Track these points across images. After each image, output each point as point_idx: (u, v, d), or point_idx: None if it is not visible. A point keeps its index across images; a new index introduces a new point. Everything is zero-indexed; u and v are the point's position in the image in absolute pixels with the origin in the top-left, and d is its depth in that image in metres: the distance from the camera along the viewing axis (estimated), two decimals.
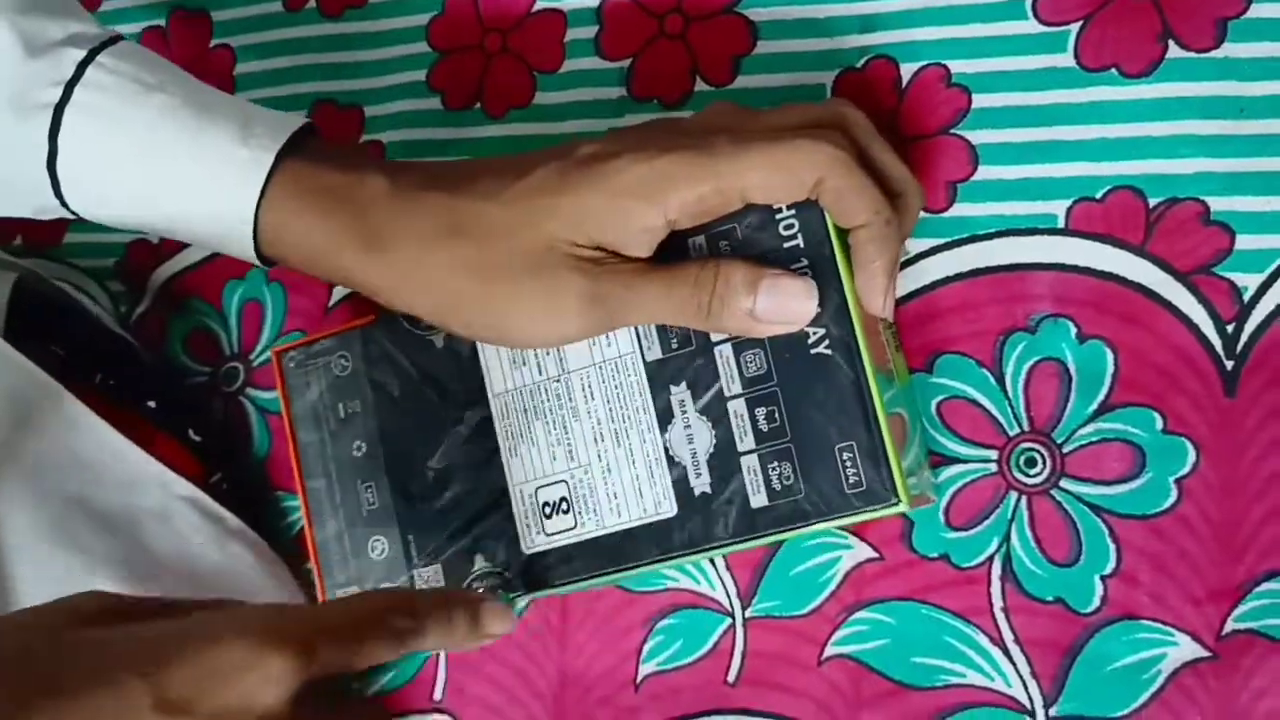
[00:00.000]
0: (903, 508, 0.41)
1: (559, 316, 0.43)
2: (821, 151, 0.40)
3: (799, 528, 0.43)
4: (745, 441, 0.44)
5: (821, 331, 0.42)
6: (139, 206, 0.46)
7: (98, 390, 0.53)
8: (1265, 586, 0.43)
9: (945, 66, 0.48)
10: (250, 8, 0.61)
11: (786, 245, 0.43)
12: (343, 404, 0.51)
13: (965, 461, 0.46)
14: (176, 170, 0.45)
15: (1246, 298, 0.44)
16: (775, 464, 0.43)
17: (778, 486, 0.43)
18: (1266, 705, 0.42)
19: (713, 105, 0.46)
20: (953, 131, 0.48)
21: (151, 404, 0.54)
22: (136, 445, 0.50)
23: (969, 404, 0.47)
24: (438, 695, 0.53)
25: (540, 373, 0.47)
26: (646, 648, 0.50)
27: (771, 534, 0.43)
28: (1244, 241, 0.44)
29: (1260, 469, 0.43)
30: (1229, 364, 0.44)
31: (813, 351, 0.43)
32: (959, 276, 0.47)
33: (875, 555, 0.47)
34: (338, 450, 0.51)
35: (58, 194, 0.46)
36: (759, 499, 0.43)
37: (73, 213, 0.47)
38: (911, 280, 0.48)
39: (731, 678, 0.49)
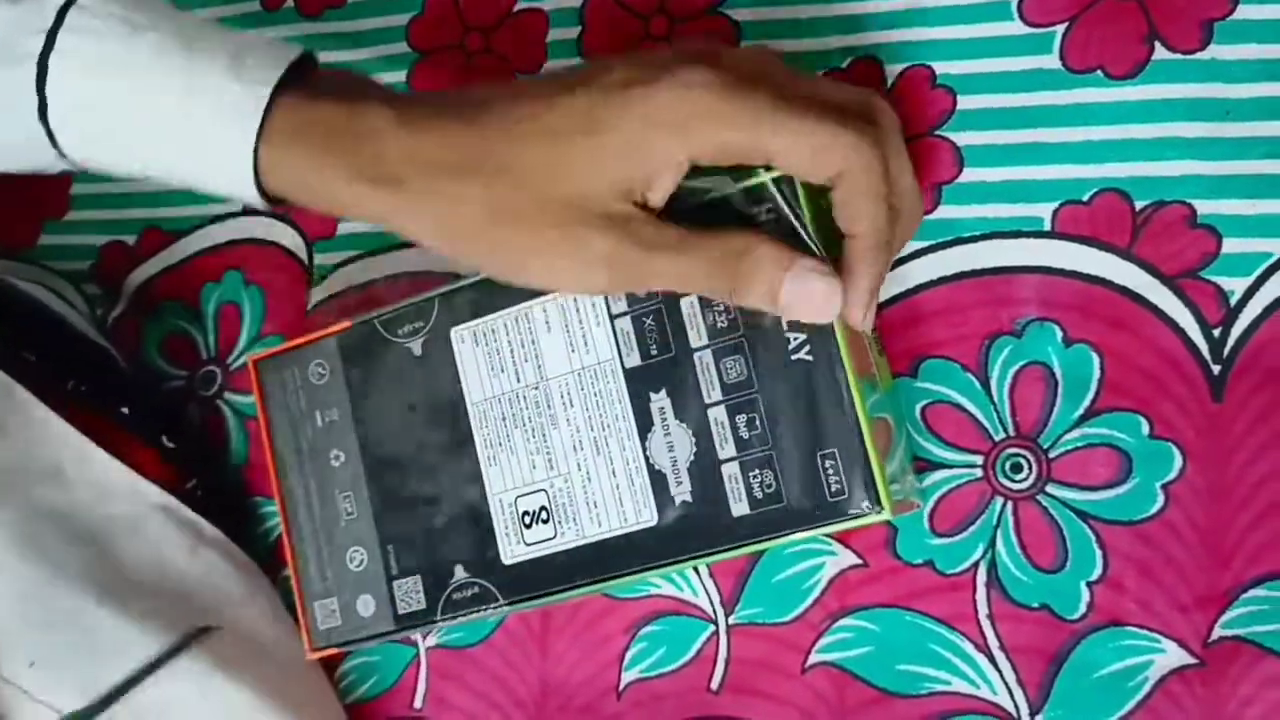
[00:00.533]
0: (885, 515, 0.41)
1: (583, 272, 0.41)
2: (858, 149, 0.39)
3: (781, 536, 0.42)
4: (726, 449, 0.43)
5: (802, 337, 0.42)
6: (135, 152, 0.44)
7: (70, 397, 0.52)
8: (1253, 593, 0.42)
9: (930, 68, 0.48)
10: (228, 7, 0.61)
11: None
12: (320, 412, 0.50)
13: (950, 467, 0.46)
14: (169, 111, 0.43)
15: (1233, 301, 0.44)
16: (757, 472, 0.43)
17: (759, 495, 0.43)
18: (1254, 713, 0.42)
19: (753, 47, 0.43)
20: (938, 133, 0.48)
21: (125, 410, 0.53)
22: (109, 453, 0.50)
23: (954, 409, 0.46)
24: (418, 704, 0.52)
25: (519, 380, 0.46)
26: (629, 655, 0.49)
27: (753, 542, 0.43)
28: (1230, 245, 0.44)
29: (1247, 474, 0.43)
30: (1216, 368, 0.44)
31: (794, 358, 0.42)
32: (943, 280, 0.47)
33: (859, 562, 0.47)
34: (316, 460, 0.50)
35: (55, 145, 0.44)
36: (740, 507, 0.43)
37: (73, 164, 0.45)
38: (895, 283, 0.47)
39: (715, 685, 0.48)
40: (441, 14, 0.56)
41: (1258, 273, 0.43)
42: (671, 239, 0.41)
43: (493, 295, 0.47)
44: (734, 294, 0.41)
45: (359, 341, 0.49)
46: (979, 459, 0.46)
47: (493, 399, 0.47)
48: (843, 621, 0.47)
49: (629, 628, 0.50)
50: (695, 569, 0.49)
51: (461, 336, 0.47)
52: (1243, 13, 0.44)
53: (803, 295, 0.40)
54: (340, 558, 0.49)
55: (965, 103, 0.47)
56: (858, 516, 0.41)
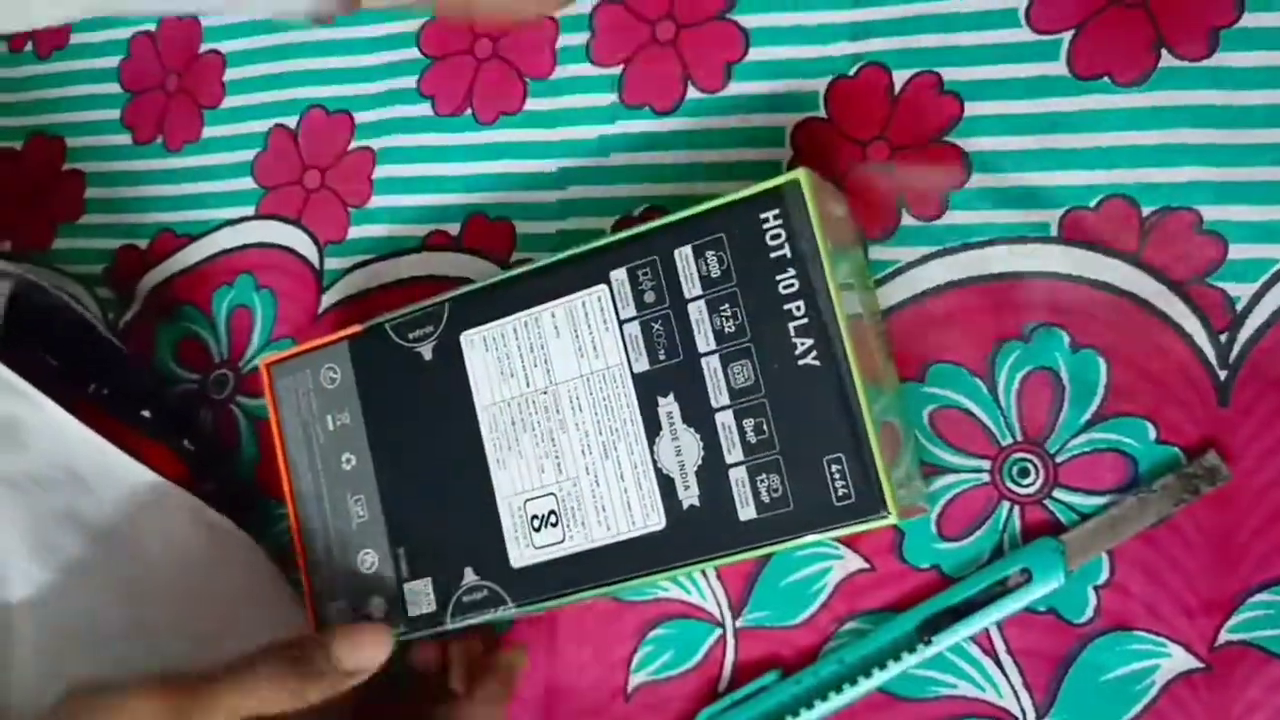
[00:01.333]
0: (892, 520, 0.41)
1: None
2: None
3: (787, 540, 0.42)
4: (733, 453, 0.43)
5: (810, 342, 0.42)
6: None
7: (90, 400, 0.52)
8: (1259, 598, 0.42)
9: (938, 74, 0.48)
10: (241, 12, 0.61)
11: (774, 255, 0.43)
12: (332, 416, 0.50)
13: (957, 471, 0.46)
14: None
15: (1239, 307, 0.44)
16: (764, 476, 0.43)
17: (766, 499, 0.43)
18: (1259, 718, 0.42)
19: None
20: (946, 139, 0.48)
21: (146, 413, 0.54)
22: (129, 455, 0.50)
23: (961, 413, 0.46)
24: None
25: (528, 384, 0.47)
26: (637, 658, 0.50)
27: (760, 546, 0.43)
28: (1237, 251, 0.44)
29: (1254, 479, 0.43)
30: (1222, 374, 0.44)
31: (800, 363, 0.42)
32: (952, 285, 0.47)
33: (866, 566, 0.47)
34: (327, 463, 0.50)
35: None
36: (748, 511, 0.43)
37: None
38: (904, 288, 0.48)
39: (722, 688, 0.48)
40: (452, 20, 0.57)
41: (1264, 278, 0.44)
42: None
43: (502, 300, 0.47)
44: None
45: (370, 346, 0.50)
46: (986, 464, 0.46)
47: (502, 403, 0.47)
48: (850, 625, 0.47)
49: (637, 630, 0.50)
50: (703, 572, 0.49)
51: (471, 341, 0.48)
52: (1248, 21, 0.44)
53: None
54: (351, 560, 0.50)
55: (973, 109, 0.47)
56: (864, 521, 0.41)
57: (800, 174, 0.43)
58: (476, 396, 0.48)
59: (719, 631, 0.49)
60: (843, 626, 0.47)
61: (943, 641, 0.45)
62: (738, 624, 0.48)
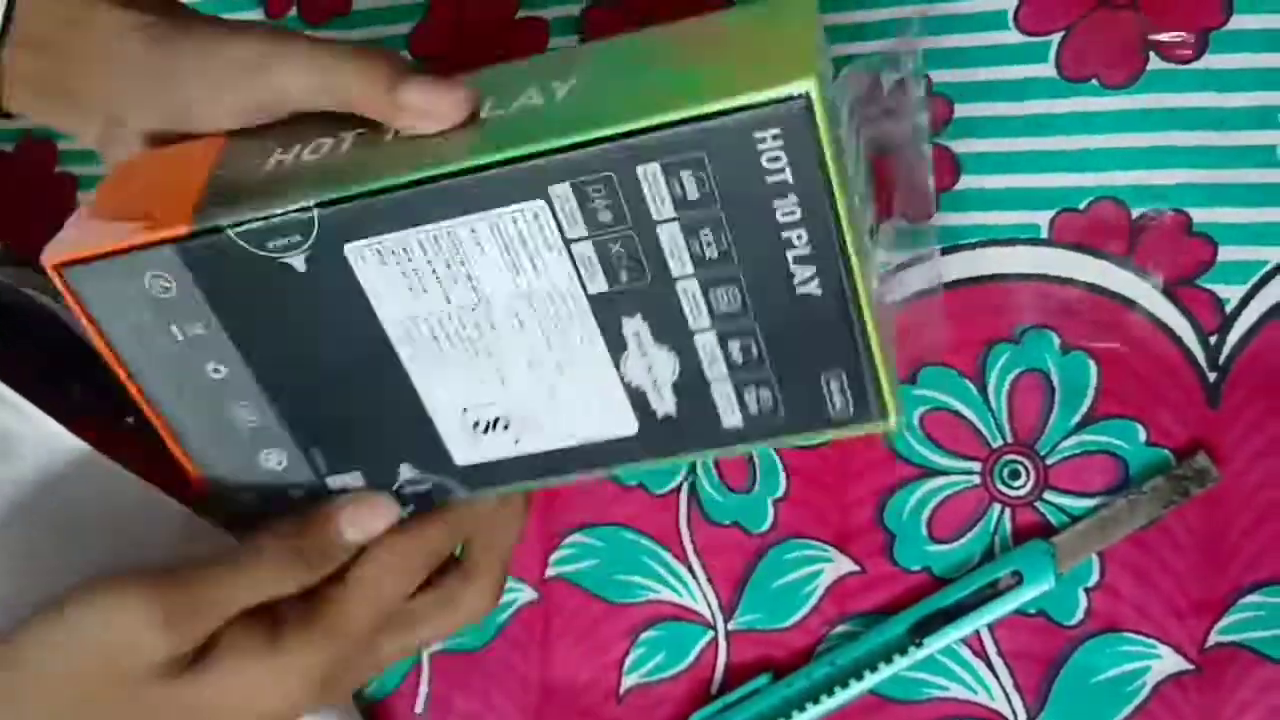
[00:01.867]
0: (892, 423, 0.38)
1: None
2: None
3: (778, 439, 0.39)
4: (716, 370, 0.38)
5: (811, 270, 0.36)
6: None
7: (76, 405, 0.52)
8: (1249, 599, 0.43)
9: (927, 76, 0.48)
10: (232, 15, 0.61)
11: (771, 180, 0.35)
12: (177, 327, 0.41)
13: (948, 474, 0.46)
14: None
15: (1229, 309, 0.44)
16: (752, 389, 0.38)
17: (754, 410, 0.39)
18: (1250, 719, 0.42)
19: None
20: (935, 141, 0.48)
21: (130, 419, 0.53)
22: (117, 462, 0.50)
23: (952, 415, 0.46)
24: (419, 708, 0.52)
25: (448, 300, 0.39)
26: (629, 659, 0.50)
27: (747, 445, 0.39)
28: (1226, 253, 0.44)
29: (1244, 481, 0.43)
30: (1212, 376, 0.44)
31: (800, 291, 0.36)
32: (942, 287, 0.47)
33: (857, 568, 0.47)
34: (186, 374, 0.42)
35: None
36: (733, 420, 0.39)
37: None
38: (894, 290, 0.48)
39: (714, 690, 0.49)
40: (443, 22, 0.57)
41: (1253, 280, 0.44)
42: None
43: (398, 210, 0.38)
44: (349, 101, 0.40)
45: (211, 253, 0.39)
46: (977, 466, 0.46)
47: (417, 318, 0.39)
48: (841, 628, 0.47)
49: (629, 632, 0.50)
50: (693, 574, 0.49)
51: (361, 255, 0.39)
52: (1237, 23, 0.44)
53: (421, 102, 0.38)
54: (252, 463, 0.43)
55: (962, 110, 0.47)
56: (864, 424, 0.38)
57: (810, 84, 0.33)
58: (379, 310, 0.39)
59: (710, 634, 0.49)
60: (834, 629, 0.47)
61: (934, 644, 0.45)
62: (729, 626, 0.48)
